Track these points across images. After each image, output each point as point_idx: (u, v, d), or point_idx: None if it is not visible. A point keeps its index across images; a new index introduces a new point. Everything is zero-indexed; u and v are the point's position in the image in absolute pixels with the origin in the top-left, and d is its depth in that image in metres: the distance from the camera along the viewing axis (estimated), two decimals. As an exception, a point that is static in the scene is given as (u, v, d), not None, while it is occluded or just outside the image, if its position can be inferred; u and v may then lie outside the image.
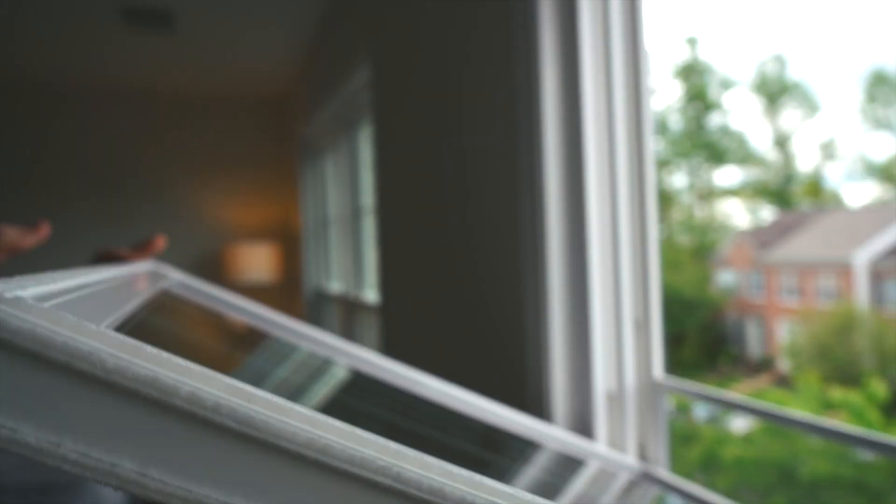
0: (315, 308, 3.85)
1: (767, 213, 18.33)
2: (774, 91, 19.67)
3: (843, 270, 12.81)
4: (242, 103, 4.40)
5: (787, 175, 19.14)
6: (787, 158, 19.24)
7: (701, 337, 15.41)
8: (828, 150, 19.15)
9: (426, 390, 0.84)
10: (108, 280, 0.49)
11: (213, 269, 4.31)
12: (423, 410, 0.83)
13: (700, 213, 19.28)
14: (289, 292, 4.41)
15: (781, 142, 19.35)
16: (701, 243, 17.80)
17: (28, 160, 4.01)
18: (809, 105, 19.59)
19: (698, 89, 19.49)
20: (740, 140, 19.63)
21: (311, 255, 3.90)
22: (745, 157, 19.49)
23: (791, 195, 18.80)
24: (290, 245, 4.40)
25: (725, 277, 16.36)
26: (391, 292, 2.05)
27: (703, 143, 19.40)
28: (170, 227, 4.26)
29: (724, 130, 19.55)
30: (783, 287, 14.37)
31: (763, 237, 16.12)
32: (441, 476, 0.28)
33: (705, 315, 15.73)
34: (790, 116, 22.21)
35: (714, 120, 19.61)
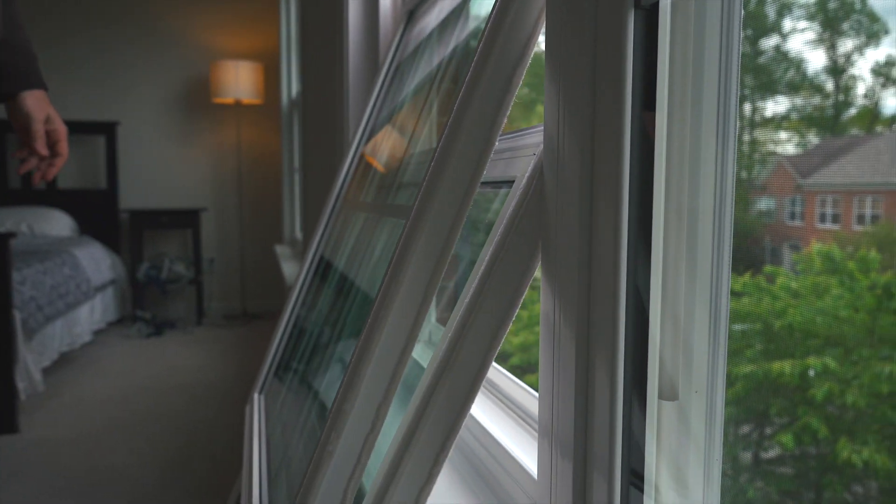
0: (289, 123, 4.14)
1: (814, 140, 17.68)
2: (834, 16, 18.65)
3: (891, 196, 12.34)
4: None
5: (840, 103, 18.30)
6: (843, 86, 18.33)
7: (732, 261, 15.30)
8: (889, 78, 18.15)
9: None
10: None
11: (202, 87, 4.59)
12: None
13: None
14: (270, 111, 4.67)
15: (837, 69, 18.44)
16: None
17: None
18: (869, 30, 18.55)
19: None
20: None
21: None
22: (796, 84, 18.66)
23: (843, 124, 18.02)
24: (271, 66, 4.63)
25: (763, 204, 16.05)
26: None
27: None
28: (160, 50, 4.54)
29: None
30: (823, 213, 13.99)
31: (805, 163, 15.65)
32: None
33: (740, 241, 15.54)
34: (849, 41, 20.97)
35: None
